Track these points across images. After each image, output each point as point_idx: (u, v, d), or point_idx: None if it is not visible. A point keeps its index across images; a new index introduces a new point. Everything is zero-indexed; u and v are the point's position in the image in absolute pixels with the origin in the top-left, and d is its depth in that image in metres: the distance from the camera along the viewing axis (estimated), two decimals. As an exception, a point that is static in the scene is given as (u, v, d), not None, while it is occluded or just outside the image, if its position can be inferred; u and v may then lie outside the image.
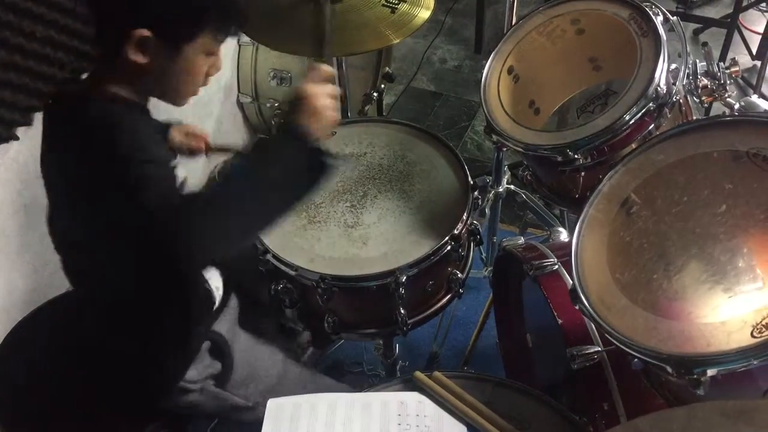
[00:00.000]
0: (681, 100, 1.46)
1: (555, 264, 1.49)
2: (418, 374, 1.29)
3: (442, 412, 1.24)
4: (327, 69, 1.24)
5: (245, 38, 2.77)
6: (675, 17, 1.49)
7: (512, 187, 2.18)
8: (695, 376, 1.04)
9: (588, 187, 1.35)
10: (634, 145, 1.41)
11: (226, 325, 1.52)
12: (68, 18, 1.87)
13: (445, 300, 1.62)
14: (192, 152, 1.63)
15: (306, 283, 1.48)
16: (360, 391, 1.30)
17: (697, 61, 1.47)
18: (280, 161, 1.15)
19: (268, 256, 1.50)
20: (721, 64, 1.45)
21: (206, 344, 1.47)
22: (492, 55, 1.65)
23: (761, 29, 3.29)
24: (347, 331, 1.58)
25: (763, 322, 1.02)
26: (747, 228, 1.13)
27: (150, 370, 1.41)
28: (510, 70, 1.64)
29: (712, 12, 3.55)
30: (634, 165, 1.30)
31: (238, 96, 2.96)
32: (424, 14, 1.80)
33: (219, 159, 2.99)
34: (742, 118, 1.25)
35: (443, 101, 3.35)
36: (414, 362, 2.17)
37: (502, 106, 1.57)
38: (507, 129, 1.54)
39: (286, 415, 1.24)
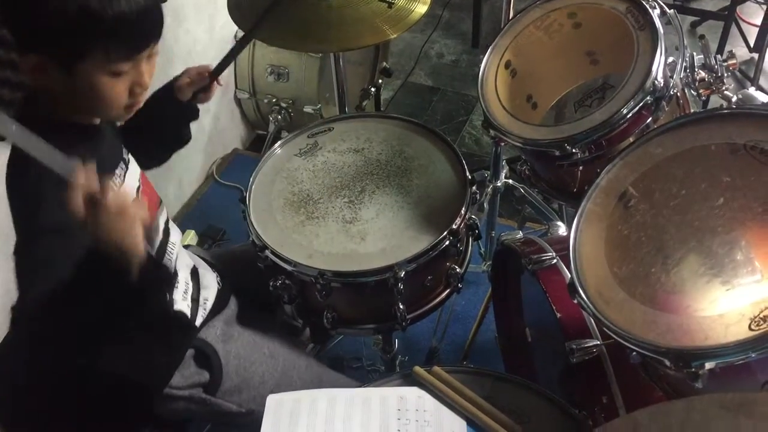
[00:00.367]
0: (678, 94, 1.46)
1: (553, 258, 1.50)
2: (418, 369, 1.29)
3: (442, 406, 1.25)
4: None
5: (242, 33, 2.77)
6: (672, 10, 1.49)
7: (510, 181, 2.18)
8: (693, 370, 1.04)
9: (586, 181, 1.35)
10: (631, 139, 1.41)
11: (216, 331, 1.52)
12: None
13: (443, 295, 1.62)
14: (205, 91, 1.54)
15: (305, 279, 1.47)
16: (361, 386, 1.30)
17: (695, 54, 1.47)
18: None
19: (267, 252, 1.50)
20: (719, 56, 1.45)
21: (190, 352, 1.47)
22: (489, 50, 1.65)
23: (759, 21, 3.29)
24: (346, 327, 1.58)
25: (761, 315, 1.02)
26: (745, 221, 1.14)
27: (127, 383, 1.39)
28: (507, 65, 1.64)
29: (709, 5, 3.55)
30: (632, 158, 1.30)
31: (235, 92, 2.96)
32: (421, 9, 1.80)
33: (218, 156, 3.00)
34: (740, 111, 1.25)
35: (441, 96, 3.35)
36: (413, 357, 2.17)
37: (500, 100, 1.57)
38: (504, 124, 1.54)
39: (286, 411, 1.24)
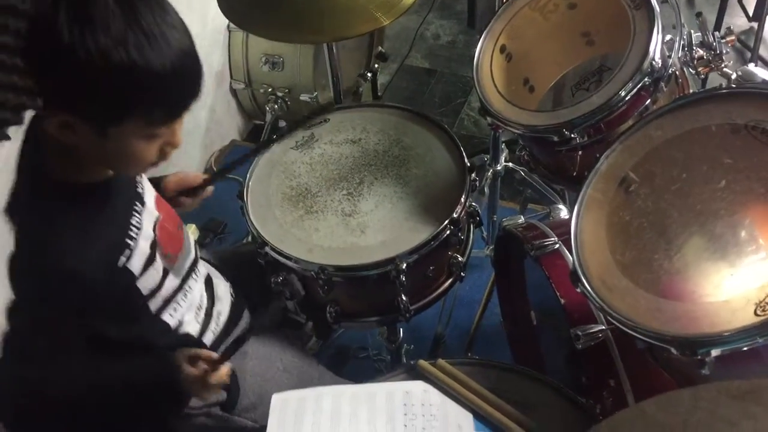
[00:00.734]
0: (677, 73, 1.44)
1: (556, 243, 1.48)
2: (422, 363, 1.28)
3: (448, 400, 1.24)
4: (209, 354, 1.31)
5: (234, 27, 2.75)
6: (669, -13, 1.46)
7: (510, 164, 2.16)
8: (699, 357, 1.04)
9: (586, 166, 1.33)
10: (631, 122, 1.39)
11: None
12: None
13: (446, 284, 1.61)
14: (193, 192, 1.52)
15: (306, 274, 1.46)
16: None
17: (692, 31, 1.44)
18: (148, 395, 1.30)
19: (267, 249, 1.48)
20: (717, 33, 1.43)
21: None
22: (483, 35, 1.63)
23: (758, -10, 3.25)
24: (349, 321, 1.57)
25: (767, 300, 1.01)
26: (748, 203, 1.12)
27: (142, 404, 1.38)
28: (502, 49, 1.61)
29: (707, -27, 3.50)
30: (632, 142, 1.29)
31: (230, 82, 2.93)
32: (414, -7, 1.77)
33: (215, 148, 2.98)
34: (740, 91, 1.23)
35: (438, 78, 3.32)
36: (419, 345, 2.17)
37: (496, 86, 1.55)
38: (502, 110, 1.52)
39: (291, 409, 1.23)
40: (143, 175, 1.34)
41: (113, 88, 1.01)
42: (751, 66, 1.41)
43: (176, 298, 1.36)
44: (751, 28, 3.19)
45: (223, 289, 1.53)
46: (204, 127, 2.88)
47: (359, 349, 2.17)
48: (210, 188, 1.54)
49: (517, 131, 1.49)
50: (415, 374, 1.29)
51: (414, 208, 1.52)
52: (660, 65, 1.36)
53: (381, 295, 1.51)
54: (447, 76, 3.32)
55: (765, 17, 2.84)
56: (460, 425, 1.20)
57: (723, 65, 1.41)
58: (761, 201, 1.11)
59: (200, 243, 2.44)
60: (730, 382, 0.96)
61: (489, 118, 1.52)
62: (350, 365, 2.16)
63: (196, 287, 1.42)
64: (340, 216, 1.53)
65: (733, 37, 1.42)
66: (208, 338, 1.45)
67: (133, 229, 1.24)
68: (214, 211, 2.68)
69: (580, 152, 1.46)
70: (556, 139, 1.42)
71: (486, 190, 2.16)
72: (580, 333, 1.34)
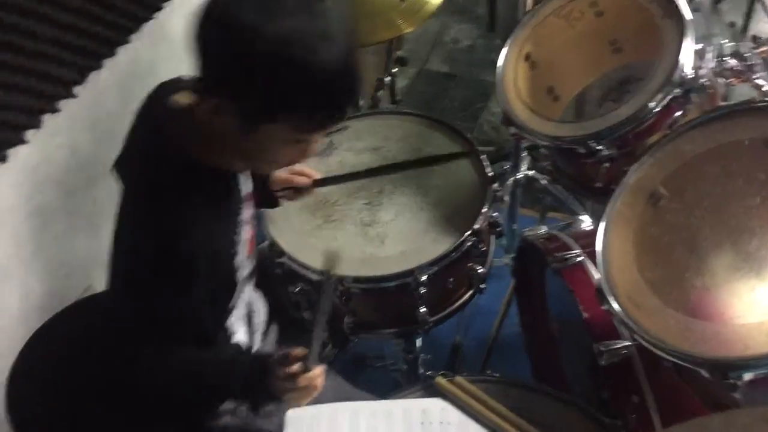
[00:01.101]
0: (708, 84, 1.40)
1: (579, 255, 1.44)
2: (440, 380, 1.25)
3: (467, 418, 1.20)
4: (299, 351, 1.21)
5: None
6: (700, -5, 1.43)
7: (531, 172, 2.12)
8: (731, 381, 1.00)
9: (612, 178, 1.31)
10: (660, 134, 1.35)
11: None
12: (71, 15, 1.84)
13: (466, 296, 1.58)
14: (297, 191, 1.51)
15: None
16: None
17: (724, 41, 1.40)
18: (236, 395, 1.29)
19: (284, 258, 1.46)
20: (749, 43, 1.39)
21: None
22: (507, 44, 1.60)
23: (785, -5, 3.18)
24: (367, 332, 1.54)
25: (803, 323, 0.97)
26: (784, 220, 1.08)
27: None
28: (527, 57, 1.58)
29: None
30: (662, 155, 1.25)
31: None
32: (435, 0, 1.75)
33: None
34: (776, 104, 1.19)
35: (458, 82, 3.28)
36: (436, 354, 2.13)
37: (519, 96, 1.52)
38: (525, 120, 1.49)
39: (305, 426, 1.21)
40: None
41: (284, 82, 0.98)
42: (784, 77, 1.37)
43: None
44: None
45: (258, 298, 1.49)
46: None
47: (376, 358, 2.13)
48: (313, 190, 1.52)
49: (542, 143, 1.45)
50: (432, 391, 1.25)
51: (434, 218, 1.49)
52: (690, 76, 1.32)
53: (399, 306, 1.48)
54: (466, 80, 3.28)
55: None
56: (480, 445, 1.17)
57: (755, 77, 1.37)
58: (798, 219, 1.08)
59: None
60: (765, 408, 0.93)
61: (512, 129, 1.49)
62: (366, 374, 2.13)
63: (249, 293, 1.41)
64: (359, 226, 1.50)
65: (766, 48, 1.38)
66: (255, 348, 1.43)
67: (240, 222, 1.23)
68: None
69: (606, 164, 1.42)
70: (582, 150, 1.39)
71: (506, 198, 2.12)
72: (603, 349, 1.31)
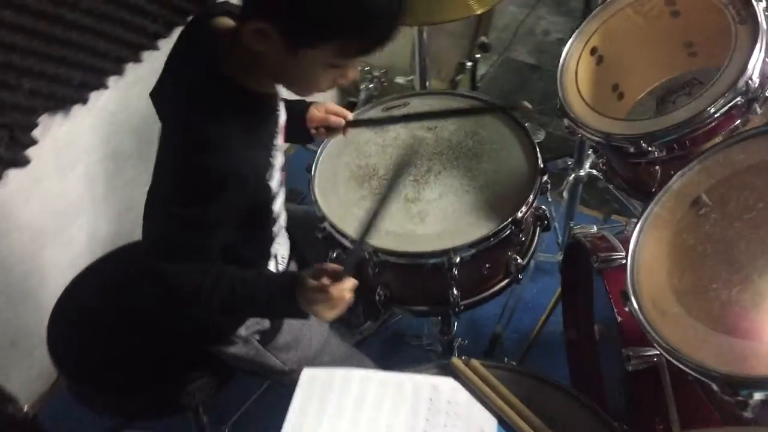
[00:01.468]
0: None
1: (623, 258, 1.41)
2: (455, 361, 1.25)
3: (474, 401, 1.21)
4: (334, 267, 1.25)
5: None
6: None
7: (594, 171, 2.07)
8: (741, 398, 0.97)
9: (665, 182, 1.26)
10: (717, 141, 1.30)
11: None
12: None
13: (502, 284, 1.56)
14: (330, 130, 1.56)
15: (359, 254, 1.46)
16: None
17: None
18: (271, 311, 1.37)
19: (325, 224, 1.49)
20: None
21: None
22: (574, 35, 1.56)
23: None
24: (398, 306, 1.56)
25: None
26: (826, 244, 1.03)
27: (204, 323, 1.44)
28: (593, 51, 1.54)
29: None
30: (711, 163, 1.21)
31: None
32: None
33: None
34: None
35: (541, 75, 3.23)
36: (475, 342, 2.14)
37: (578, 89, 1.49)
38: (580, 114, 1.45)
39: (318, 386, 1.23)
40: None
41: (331, 7, 1.02)
42: None
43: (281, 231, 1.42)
44: None
45: (284, 234, 1.54)
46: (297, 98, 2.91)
47: (413, 337, 2.15)
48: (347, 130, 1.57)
49: (594, 138, 1.42)
50: (447, 371, 1.26)
51: (478, 202, 1.49)
52: (756, 85, 1.27)
53: (432, 285, 1.49)
54: (551, 74, 3.19)
55: None
56: (483, 429, 1.17)
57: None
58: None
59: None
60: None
61: (566, 121, 1.46)
62: (402, 351, 2.15)
63: (282, 223, 1.46)
64: (402, 201, 1.51)
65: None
66: None
67: (275, 147, 1.28)
68: (294, 181, 2.71)
69: (658, 167, 1.38)
70: (632, 150, 1.35)
71: (564, 194, 2.09)
72: (631, 354, 1.29)
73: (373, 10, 1.04)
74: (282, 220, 1.45)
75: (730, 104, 1.27)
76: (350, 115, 1.56)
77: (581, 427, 1.18)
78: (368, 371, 1.26)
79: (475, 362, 1.24)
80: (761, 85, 1.28)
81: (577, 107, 1.47)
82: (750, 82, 1.26)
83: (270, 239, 1.41)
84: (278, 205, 1.36)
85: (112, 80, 1.99)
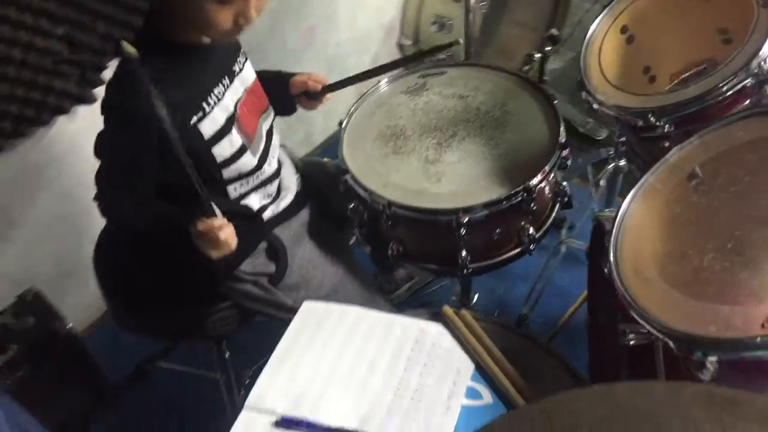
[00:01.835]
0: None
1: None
2: (446, 309, 1.31)
3: (457, 346, 1.26)
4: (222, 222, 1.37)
5: None
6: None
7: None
8: (696, 359, 0.99)
9: (666, 156, 1.28)
10: (724, 120, 1.30)
11: (291, 231, 1.63)
12: None
13: (513, 253, 1.60)
14: (311, 99, 1.68)
15: (375, 207, 1.53)
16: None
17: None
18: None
19: (347, 176, 1.57)
20: None
21: (263, 245, 1.59)
22: (605, 11, 1.58)
23: None
24: (409, 262, 1.61)
25: (779, 315, 0.94)
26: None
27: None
28: (624, 29, 1.56)
29: None
30: (710, 138, 1.22)
31: (399, 37, 3.03)
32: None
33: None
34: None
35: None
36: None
37: (600, 64, 1.51)
38: (599, 87, 1.48)
39: (315, 317, 1.31)
40: (247, 58, 1.53)
41: None
42: None
43: (251, 176, 1.53)
44: None
45: (291, 179, 1.68)
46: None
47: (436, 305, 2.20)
48: (328, 96, 1.67)
49: (609, 112, 1.44)
50: (438, 318, 1.32)
51: (495, 169, 1.53)
52: (770, 68, 1.27)
53: (442, 244, 1.54)
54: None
55: None
56: (459, 371, 1.22)
57: None
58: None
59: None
60: (716, 387, 0.91)
61: (584, 94, 1.49)
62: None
63: (269, 171, 1.58)
64: (422, 162, 1.57)
65: None
66: (266, 215, 1.62)
67: (213, 96, 1.42)
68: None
69: (667, 144, 1.39)
70: (641, 123, 1.37)
71: (601, 183, 2.09)
72: (627, 329, 1.30)
73: None
74: (268, 169, 1.59)
75: (741, 84, 1.28)
76: (326, 80, 1.67)
77: (555, 380, 1.22)
78: (365, 310, 1.33)
79: (465, 312, 1.29)
80: (774, 68, 1.28)
81: (595, 80, 1.49)
82: (763, 63, 1.26)
83: (221, 181, 1.50)
84: (228, 150, 1.46)
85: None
